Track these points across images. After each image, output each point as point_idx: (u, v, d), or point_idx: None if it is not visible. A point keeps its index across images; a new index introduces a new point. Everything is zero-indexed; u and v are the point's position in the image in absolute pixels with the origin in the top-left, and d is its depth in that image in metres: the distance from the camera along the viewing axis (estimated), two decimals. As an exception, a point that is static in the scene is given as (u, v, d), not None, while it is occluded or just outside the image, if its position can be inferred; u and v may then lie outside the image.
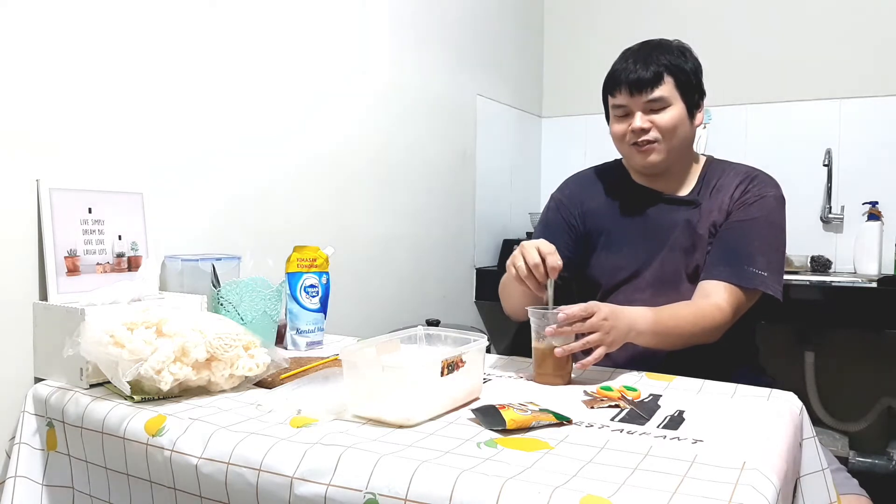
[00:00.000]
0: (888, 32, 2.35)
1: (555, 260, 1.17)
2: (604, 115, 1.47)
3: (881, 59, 2.36)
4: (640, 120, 1.36)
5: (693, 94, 1.39)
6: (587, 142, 2.87)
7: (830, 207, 2.40)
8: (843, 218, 2.41)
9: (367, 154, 1.94)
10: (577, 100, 2.89)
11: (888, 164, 2.35)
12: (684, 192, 1.45)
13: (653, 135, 1.36)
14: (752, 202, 1.37)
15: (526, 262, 1.17)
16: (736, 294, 1.32)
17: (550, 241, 1.28)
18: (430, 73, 2.21)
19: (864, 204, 2.34)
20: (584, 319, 1.12)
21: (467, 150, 2.43)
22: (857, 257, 2.33)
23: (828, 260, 2.38)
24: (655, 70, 1.35)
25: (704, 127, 2.46)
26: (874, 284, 2.03)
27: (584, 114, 2.85)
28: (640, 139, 1.37)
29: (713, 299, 1.31)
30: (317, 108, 1.76)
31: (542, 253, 1.17)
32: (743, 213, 1.37)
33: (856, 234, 2.35)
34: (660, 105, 1.36)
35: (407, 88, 2.10)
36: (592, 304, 1.14)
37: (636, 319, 1.20)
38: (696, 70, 1.41)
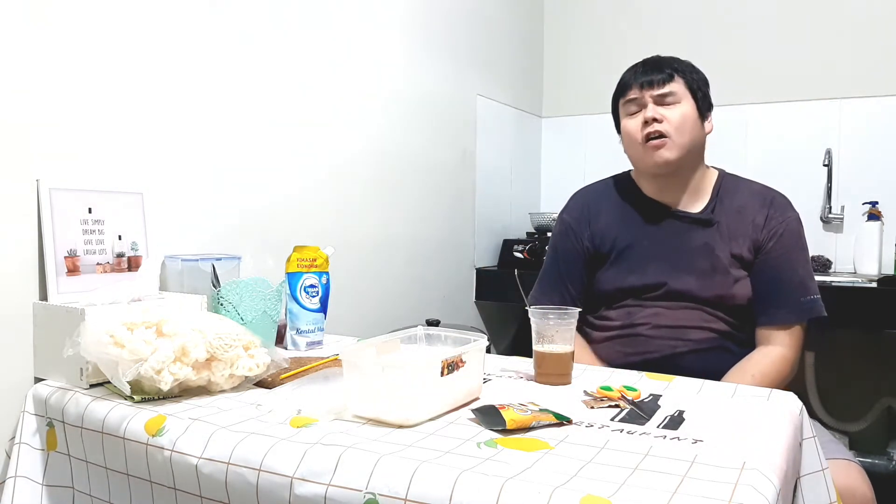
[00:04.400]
0: (888, 32, 2.35)
1: None
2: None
3: (881, 59, 2.36)
4: (651, 110, 1.39)
5: (701, 98, 1.43)
6: (587, 142, 2.86)
7: (830, 207, 2.40)
8: (843, 218, 2.40)
9: (367, 153, 1.94)
10: (577, 100, 2.89)
11: (888, 164, 2.35)
12: (697, 207, 1.45)
13: (664, 127, 1.38)
14: (781, 232, 1.40)
15: None
16: (798, 331, 1.37)
17: (567, 271, 1.44)
18: (430, 73, 2.21)
19: (864, 204, 2.34)
20: None
21: (467, 150, 2.43)
22: (857, 257, 2.33)
23: (828, 260, 2.38)
24: (668, 71, 1.40)
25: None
26: (874, 284, 2.03)
27: (584, 114, 2.85)
28: (652, 130, 1.38)
29: (777, 350, 1.35)
30: (316, 108, 1.76)
31: None
32: (779, 247, 1.39)
33: (856, 234, 2.35)
34: (671, 100, 1.39)
35: (407, 88, 2.10)
36: None
37: None
38: (704, 80, 1.45)
